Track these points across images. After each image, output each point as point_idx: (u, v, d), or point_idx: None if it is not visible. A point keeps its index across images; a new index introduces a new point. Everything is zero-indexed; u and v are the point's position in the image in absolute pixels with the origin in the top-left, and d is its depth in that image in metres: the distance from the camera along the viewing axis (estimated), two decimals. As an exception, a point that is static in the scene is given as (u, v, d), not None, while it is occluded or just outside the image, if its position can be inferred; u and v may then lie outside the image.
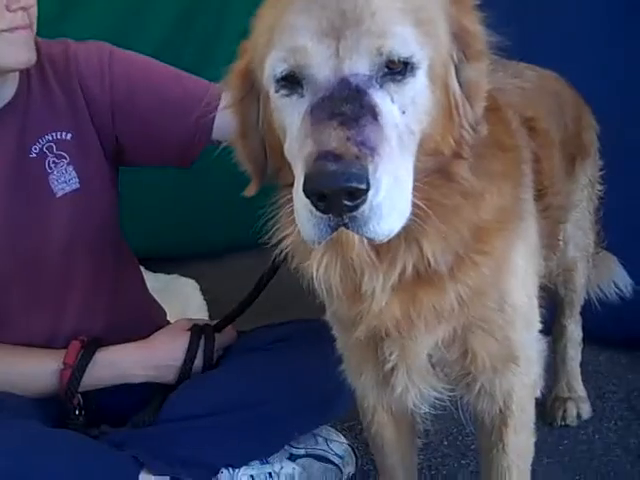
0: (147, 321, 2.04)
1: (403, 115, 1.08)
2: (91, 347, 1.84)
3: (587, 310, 2.30)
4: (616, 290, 2.32)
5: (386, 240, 1.07)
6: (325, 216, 1.01)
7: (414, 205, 1.11)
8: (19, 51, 1.64)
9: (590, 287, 2.30)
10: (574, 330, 2.28)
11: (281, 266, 1.85)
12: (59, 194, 1.80)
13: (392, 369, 1.42)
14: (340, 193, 0.97)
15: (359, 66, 1.06)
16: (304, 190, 0.99)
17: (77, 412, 1.85)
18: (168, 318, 2.22)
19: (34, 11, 1.67)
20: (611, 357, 2.63)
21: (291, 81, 1.11)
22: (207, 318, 2.66)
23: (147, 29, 3.10)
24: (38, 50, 1.71)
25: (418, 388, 1.45)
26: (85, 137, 1.81)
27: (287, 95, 1.12)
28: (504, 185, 1.28)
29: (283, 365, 1.89)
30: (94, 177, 1.85)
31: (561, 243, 1.92)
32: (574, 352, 2.31)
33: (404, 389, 1.45)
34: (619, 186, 2.22)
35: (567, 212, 1.90)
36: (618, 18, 2.46)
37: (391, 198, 1.01)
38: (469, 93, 1.18)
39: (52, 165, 1.79)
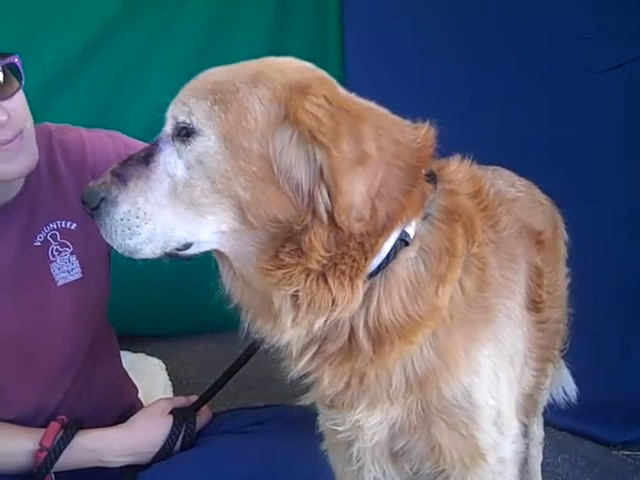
0: (123, 399, 2.06)
1: (187, 170, 1.27)
2: (70, 430, 1.80)
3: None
4: (563, 396, 2.33)
5: (136, 257, 1.31)
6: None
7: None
8: (12, 164, 1.59)
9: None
10: (536, 429, 2.33)
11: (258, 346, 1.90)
12: (60, 283, 1.78)
13: (349, 445, 1.47)
14: (83, 201, 1.32)
15: (167, 128, 1.31)
16: None
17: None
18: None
19: (20, 115, 1.59)
20: (569, 459, 2.69)
21: None
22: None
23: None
24: (50, 139, 1.77)
25: (374, 471, 1.49)
26: (91, 228, 1.73)
27: None
28: (443, 287, 1.33)
29: (256, 448, 1.88)
30: (96, 267, 1.84)
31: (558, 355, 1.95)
32: (536, 451, 2.35)
33: (361, 467, 1.49)
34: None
35: (565, 324, 1.93)
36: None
37: (129, 220, 1.28)
38: (327, 179, 1.21)
39: (55, 253, 1.77)
